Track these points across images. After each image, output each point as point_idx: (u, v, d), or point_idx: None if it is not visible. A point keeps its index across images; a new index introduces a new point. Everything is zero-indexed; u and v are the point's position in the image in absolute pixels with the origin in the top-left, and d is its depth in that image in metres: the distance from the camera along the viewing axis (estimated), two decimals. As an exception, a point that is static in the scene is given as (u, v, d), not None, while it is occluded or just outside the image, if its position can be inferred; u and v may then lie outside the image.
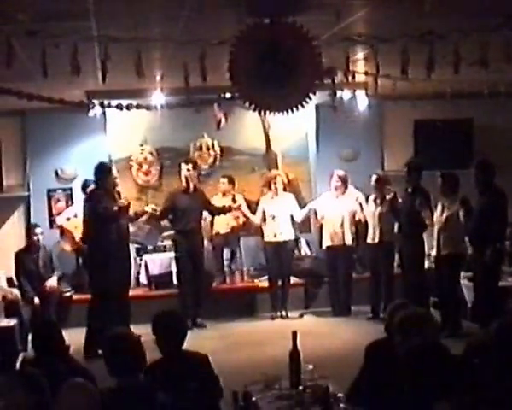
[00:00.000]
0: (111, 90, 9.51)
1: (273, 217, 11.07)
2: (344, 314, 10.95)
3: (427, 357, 4.05)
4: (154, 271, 11.60)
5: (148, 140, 12.48)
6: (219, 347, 9.62)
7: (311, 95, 6.89)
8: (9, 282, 10.32)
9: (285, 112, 6.96)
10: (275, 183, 11.17)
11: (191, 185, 10.85)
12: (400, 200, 10.29)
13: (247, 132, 12.67)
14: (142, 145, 12.50)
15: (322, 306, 11.41)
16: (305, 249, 12.12)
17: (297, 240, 11.76)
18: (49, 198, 12.30)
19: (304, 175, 12.87)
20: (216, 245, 11.82)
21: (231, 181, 11.71)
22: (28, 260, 10.99)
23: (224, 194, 11.65)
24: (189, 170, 10.85)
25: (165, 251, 11.64)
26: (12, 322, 9.26)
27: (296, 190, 12.43)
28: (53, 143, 12.09)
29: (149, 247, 11.85)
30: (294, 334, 5.43)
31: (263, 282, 11.73)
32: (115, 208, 9.47)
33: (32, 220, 12.11)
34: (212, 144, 12.59)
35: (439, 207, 9.69)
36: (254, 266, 12.22)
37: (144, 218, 10.89)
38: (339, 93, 9.78)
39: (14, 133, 12.24)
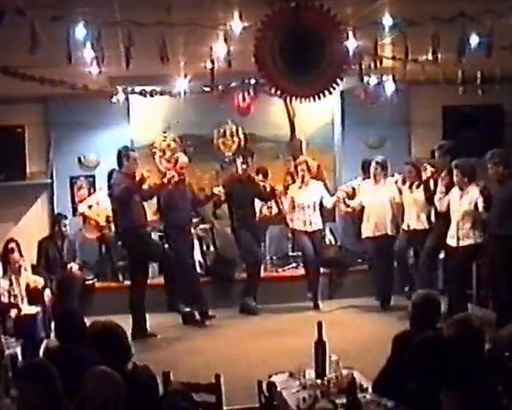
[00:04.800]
0: (134, 76, 9.49)
1: (302, 207, 10.96)
2: (385, 305, 10.79)
3: (427, 349, 4.14)
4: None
5: (172, 127, 12.50)
6: (245, 336, 9.64)
7: (338, 81, 6.86)
8: (34, 269, 10.37)
9: (311, 98, 6.93)
10: (303, 170, 10.98)
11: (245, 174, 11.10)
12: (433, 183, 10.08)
13: (271, 119, 12.62)
14: (165, 132, 12.52)
15: (346, 296, 11.34)
16: (329, 238, 12.03)
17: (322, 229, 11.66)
18: (72, 185, 12.33)
19: (328, 163, 12.78)
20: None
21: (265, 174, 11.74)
22: (52, 249, 11.07)
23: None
24: (247, 163, 11.06)
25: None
26: (35, 309, 9.32)
27: (321, 177, 12.38)
28: (76, 129, 12.11)
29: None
30: (320, 324, 5.43)
31: (287, 271, 11.73)
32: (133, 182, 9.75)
33: (55, 208, 12.20)
34: (236, 131, 12.59)
35: (457, 197, 9.49)
36: (278, 255, 12.20)
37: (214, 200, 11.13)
38: (365, 78, 9.70)
39: (37, 120, 12.28)
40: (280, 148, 12.72)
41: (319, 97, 6.91)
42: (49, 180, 12.36)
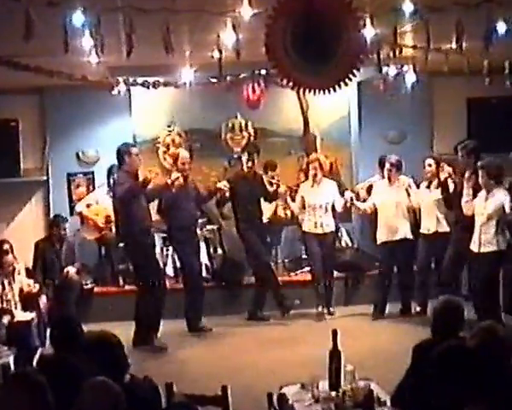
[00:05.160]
0: (136, 66, 9.51)
1: (313, 207, 10.93)
2: (405, 313, 10.77)
3: (450, 359, 4.14)
4: (182, 262, 11.57)
5: (176, 121, 12.53)
6: (253, 345, 9.65)
7: (354, 71, 6.85)
8: (28, 273, 10.38)
9: (326, 90, 6.91)
10: (315, 168, 10.97)
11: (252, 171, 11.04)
12: (452, 185, 10.07)
13: (283, 112, 12.64)
14: (169, 126, 12.56)
15: (363, 302, 11.27)
16: (345, 240, 12.00)
17: (337, 230, 11.64)
18: (70, 183, 12.37)
19: (344, 159, 12.82)
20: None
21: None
22: (49, 252, 11.06)
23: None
24: (253, 160, 10.99)
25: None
26: (29, 316, 9.33)
27: (336, 175, 12.37)
28: (74, 123, 12.16)
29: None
30: (335, 332, 5.42)
31: (299, 275, 11.72)
32: (137, 183, 9.67)
33: (51, 207, 12.21)
34: (246, 125, 12.61)
35: (482, 199, 9.40)
36: (290, 258, 12.20)
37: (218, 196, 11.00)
38: (384, 69, 9.68)
39: (32, 113, 12.33)
40: (292, 143, 12.73)
41: (334, 89, 6.89)
42: (45, 177, 12.38)
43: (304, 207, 11.00)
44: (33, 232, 11.83)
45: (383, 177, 11.01)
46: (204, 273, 11.15)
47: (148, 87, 10.48)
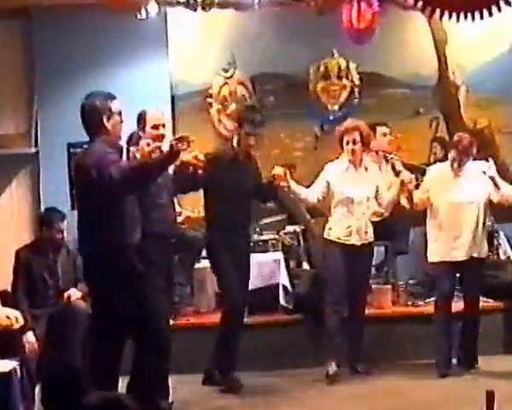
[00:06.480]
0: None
1: (348, 203, 10.37)
2: None
3: None
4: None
5: (238, 62, 12.63)
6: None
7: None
8: (6, 298, 10.49)
9: (475, 14, 6.89)
10: (353, 141, 10.32)
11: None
12: None
13: (407, 49, 12.75)
14: (226, 71, 12.67)
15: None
16: (505, 249, 11.86)
17: (493, 235, 11.50)
18: (71, 158, 12.44)
19: (503, 121, 12.88)
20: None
21: None
22: (39, 265, 11.14)
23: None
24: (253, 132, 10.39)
25: (266, 251, 11.56)
26: (9, 365, 9.44)
27: (490, 145, 12.31)
28: (77, 64, 12.27)
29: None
30: (490, 396, 5.41)
31: (425, 306, 11.65)
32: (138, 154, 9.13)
33: (43, 195, 12.35)
34: (347, 68, 12.63)
35: None
36: (416, 280, 12.36)
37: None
38: None
39: (12, 49, 12.45)
40: (421, 97, 12.86)
41: (490, 12, 6.88)
42: (33, 149, 12.55)
43: (323, 198, 10.50)
44: (15, 234, 12.01)
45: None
46: (282, 301, 11.11)
47: (194, 9, 10.54)
